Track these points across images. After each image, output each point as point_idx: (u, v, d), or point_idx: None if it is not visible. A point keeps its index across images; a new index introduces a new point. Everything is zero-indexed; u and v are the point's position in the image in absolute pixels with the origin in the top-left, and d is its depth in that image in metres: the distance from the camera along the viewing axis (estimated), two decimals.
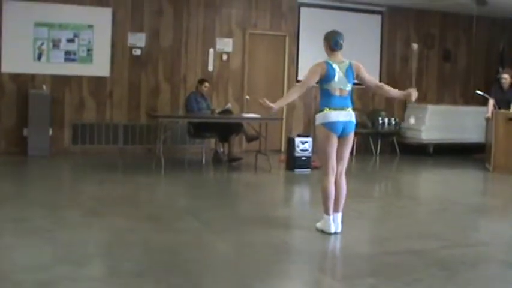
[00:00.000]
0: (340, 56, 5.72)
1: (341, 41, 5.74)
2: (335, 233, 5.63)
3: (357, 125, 5.78)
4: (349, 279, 4.57)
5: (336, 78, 5.56)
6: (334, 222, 5.66)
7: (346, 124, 5.58)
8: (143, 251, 5.02)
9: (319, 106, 5.67)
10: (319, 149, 5.71)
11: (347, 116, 5.58)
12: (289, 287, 4.49)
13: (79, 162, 10.06)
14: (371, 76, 5.96)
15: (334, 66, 5.60)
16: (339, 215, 5.69)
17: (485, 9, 10.96)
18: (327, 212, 5.65)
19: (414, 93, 5.74)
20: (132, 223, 5.88)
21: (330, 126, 5.53)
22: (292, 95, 5.76)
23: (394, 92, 5.91)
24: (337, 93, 5.58)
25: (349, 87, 5.65)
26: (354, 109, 5.72)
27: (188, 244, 5.26)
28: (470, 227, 6.53)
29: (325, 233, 5.64)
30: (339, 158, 5.67)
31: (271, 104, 5.60)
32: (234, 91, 11.73)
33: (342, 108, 5.57)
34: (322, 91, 5.64)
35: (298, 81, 12.13)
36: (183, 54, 11.33)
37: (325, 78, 5.56)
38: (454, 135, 12.49)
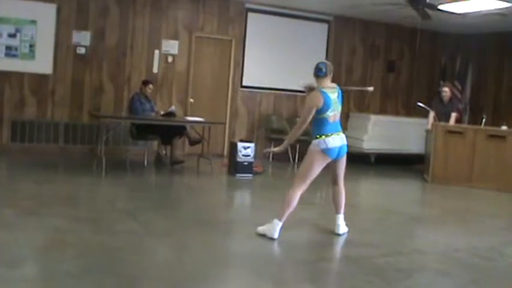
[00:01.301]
0: (327, 81, 5.87)
1: (322, 67, 5.85)
2: (338, 234, 6.08)
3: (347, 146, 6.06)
4: (288, 285, 4.58)
5: (332, 106, 5.77)
6: (336, 224, 6.12)
7: (341, 148, 5.87)
8: (80, 252, 4.93)
9: (315, 133, 5.83)
10: (308, 164, 5.84)
11: (342, 140, 5.88)
12: None
13: (17, 160, 9.82)
14: None
15: (329, 93, 5.78)
16: (341, 216, 6.16)
17: (429, 23, 11.18)
18: (280, 218, 5.73)
19: None
20: (69, 224, 5.77)
21: (327, 151, 5.77)
22: (296, 134, 5.95)
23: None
24: (331, 120, 5.81)
25: (340, 110, 5.95)
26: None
27: (126, 246, 5.19)
28: (407, 235, 6.64)
29: (267, 237, 5.67)
30: (336, 175, 6.08)
31: (275, 149, 6.09)
32: (178, 94, 11.66)
33: (337, 134, 5.85)
34: (317, 119, 5.80)
35: (243, 87, 12.16)
36: (128, 54, 11.21)
37: (323, 108, 5.74)
38: (395, 146, 12.69)
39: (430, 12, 10.08)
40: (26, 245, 5.04)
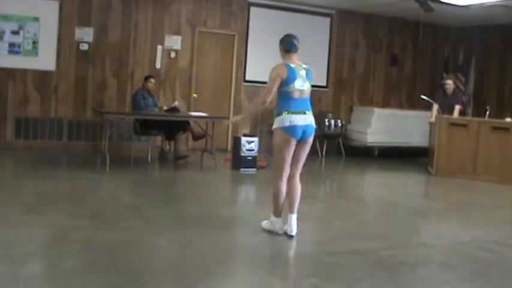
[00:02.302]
0: (296, 59, 5.63)
1: (296, 43, 5.64)
2: (290, 235, 5.58)
3: (315, 129, 5.69)
4: (293, 279, 4.60)
5: (297, 81, 5.48)
6: (289, 224, 5.61)
7: (305, 128, 5.50)
8: (85, 249, 4.95)
9: (278, 109, 5.55)
10: (276, 151, 5.62)
11: (307, 120, 5.51)
12: (233, 287, 4.47)
13: (22, 157, 9.85)
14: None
15: (295, 68, 5.51)
16: (294, 216, 5.63)
17: (431, 16, 11.15)
18: (276, 214, 5.66)
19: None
20: (74, 221, 5.79)
21: (289, 130, 5.44)
22: (259, 103, 5.72)
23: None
24: (297, 95, 5.50)
25: (309, 88, 5.59)
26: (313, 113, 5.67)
27: (131, 243, 5.20)
28: (411, 228, 6.64)
29: (272, 232, 5.65)
30: (295, 161, 5.62)
31: (239, 117, 6.07)
32: (182, 89, 11.66)
33: (302, 112, 5.49)
34: (282, 94, 5.52)
35: (246, 81, 12.14)
36: (131, 50, 11.21)
37: (286, 80, 5.46)
38: (399, 139, 12.68)
39: (432, 4, 10.06)
40: (30, 241, 5.05)
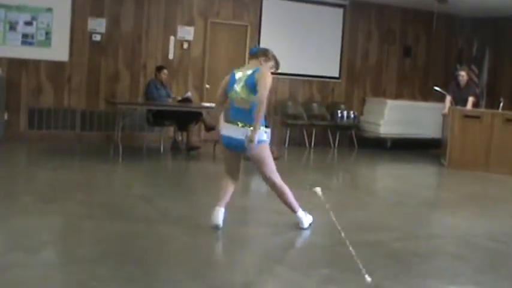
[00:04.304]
0: (252, 63, 5.36)
1: (254, 47, 5.57)
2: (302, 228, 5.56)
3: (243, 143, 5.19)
4: (304, 270, 4.60)
5: (234, 87, 5.23)
6: (298, 220, 5.56)
7: (230, 140, 5.24)
8: (98, 238, 4.97)
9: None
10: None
11: (234, 132, 5.18)
12: (244, 277, 4.48)
13: (35, 147, 9.90)
14: (262, 93, 5.10)
15: (238, 74, 5.26)
16: (299, 212, 5.55)
17: (445, 7, 11.09)
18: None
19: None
20: (87, 210, 5.82)
21: (222, 139, 5.34)
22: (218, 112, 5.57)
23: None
24: (236, 104, 5.26)
25: (248, 95, 5.16)
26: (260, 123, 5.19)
27: (143, 232, 5.22)
28: (424, 220, 6.63)
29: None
30: (262, 175, 5.54)
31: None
32: (194, 80, 11.66)
33: (234, 122, 5.22)
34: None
35: None
36: (143, 41, 11.21)
37: (227, 87, 5.30)
38: (412, 131, 12.64)
39: None
40: (44, 231, 5.09)
